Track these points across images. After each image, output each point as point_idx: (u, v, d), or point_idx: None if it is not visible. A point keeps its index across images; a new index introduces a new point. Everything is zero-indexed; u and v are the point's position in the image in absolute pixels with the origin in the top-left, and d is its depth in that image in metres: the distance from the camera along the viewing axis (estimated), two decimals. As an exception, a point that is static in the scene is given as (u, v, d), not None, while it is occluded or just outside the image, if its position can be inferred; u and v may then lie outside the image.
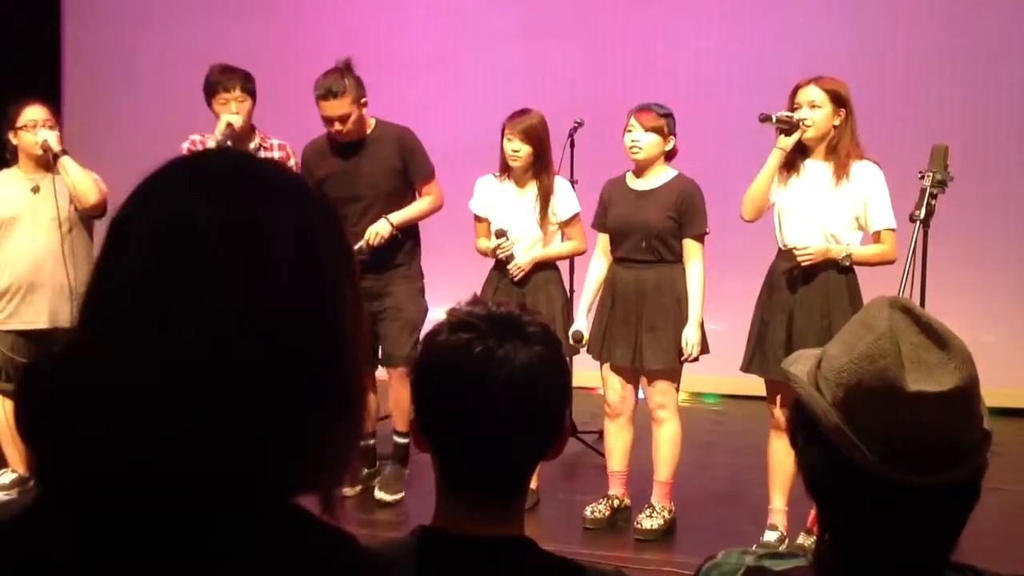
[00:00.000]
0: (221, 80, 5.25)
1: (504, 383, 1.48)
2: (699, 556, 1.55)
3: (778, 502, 4.62)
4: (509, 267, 5.02)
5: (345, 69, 5.10)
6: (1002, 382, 6.27)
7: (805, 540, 4.45)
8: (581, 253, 5.19)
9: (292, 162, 5.38)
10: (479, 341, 1.49)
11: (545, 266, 5.09)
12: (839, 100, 4.43)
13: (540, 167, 5.01)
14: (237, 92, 5.23)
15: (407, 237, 5.27)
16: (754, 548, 1.53)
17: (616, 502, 4.96)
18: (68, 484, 0.92)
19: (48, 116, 5.21)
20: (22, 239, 5.15)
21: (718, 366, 4.78)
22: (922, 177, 4.28)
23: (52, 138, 5.13)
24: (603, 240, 4.94)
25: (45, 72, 8.16)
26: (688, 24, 7.46)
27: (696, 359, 4.76)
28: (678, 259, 4.78)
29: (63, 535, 0.92)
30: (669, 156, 4.86)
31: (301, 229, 0.97)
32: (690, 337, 4.70)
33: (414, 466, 5.25)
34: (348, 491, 5.18)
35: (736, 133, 4.65)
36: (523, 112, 5.00)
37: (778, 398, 4.54)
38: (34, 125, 5.14)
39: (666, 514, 4.83)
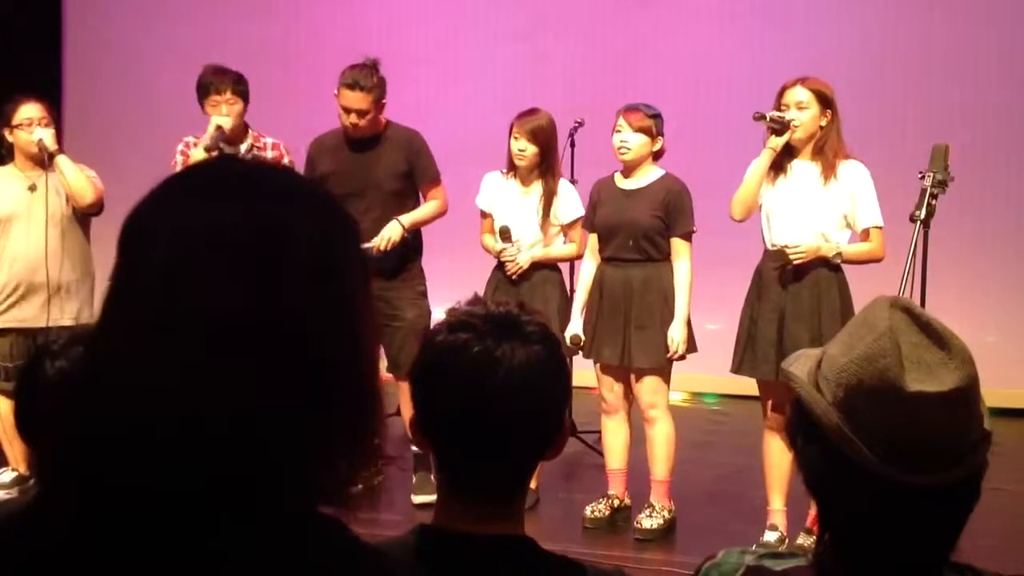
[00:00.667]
0: (212, 82, 5.26)
1: (502, 383, 1.48)
2: (699, 555, 1.55)
3: (777, 502, 4.63)
4: (507, 266, 5.04)
5: (373, 67, 5.13)
6: (1002, 382, 6.27)
7: (805, 540, 4.45)
8: (579, 257, 5.18)
9: (286, 160, 5.38)
10: (477, 341, 1.49)
11: (544, 266, 5.10)
12: (825, 101, 4.46)
13: (546, 168, 5.02)
14: (228, 95, 5.23)
15: (409, 240, 5.27)
16: (754, 548, 1.53)
17: (616, 501, 4.96)
18: (70, 483, 0.92)
19: (44, 114, 5.19)
20: (19, 238, 5.15)
21: (718, 366, 4.78)
22: (922, 177, 4.29)
23: (48, 136, 5.12)
24: (593, 240, 4.95)
25: (45, 71, 8.15)
26: (688, 24, 7.46)
27: (683, 357, 4.78)
28: (665, 258, 4.80)
29: (62, 534, 0.92)
30: (657, 156, 4.88)
31: (322, 236, 0.97)
32: (676, 335, 4.71)
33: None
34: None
35: (738, 133, 4.65)
36: (532, 112, 5.02)
37: (771, 399, 4.55)
38: (30, 123, 5.13)
39: (666, 513, 4.83)
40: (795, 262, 4.43)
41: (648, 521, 4.79)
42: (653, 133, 4.80)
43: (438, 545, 1.52)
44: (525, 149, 4.96)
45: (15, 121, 5.16)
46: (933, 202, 4.24)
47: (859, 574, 1.37)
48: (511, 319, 1.53)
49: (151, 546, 0.90)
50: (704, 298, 4.85)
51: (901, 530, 1.33)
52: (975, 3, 7.09)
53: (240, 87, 5.28)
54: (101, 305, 0.97)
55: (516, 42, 7.63)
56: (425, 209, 5.30)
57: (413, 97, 7.09)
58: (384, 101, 5.18)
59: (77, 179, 5.12)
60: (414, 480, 5.19)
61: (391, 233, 5.13)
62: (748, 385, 4.72)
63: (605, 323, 4.83)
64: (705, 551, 1.54)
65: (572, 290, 5.54)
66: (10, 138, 5.21)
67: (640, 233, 4.76)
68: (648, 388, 4.81)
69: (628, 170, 4.86)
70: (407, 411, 5.18)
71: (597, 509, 4.93)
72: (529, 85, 7.14)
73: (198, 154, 5.06)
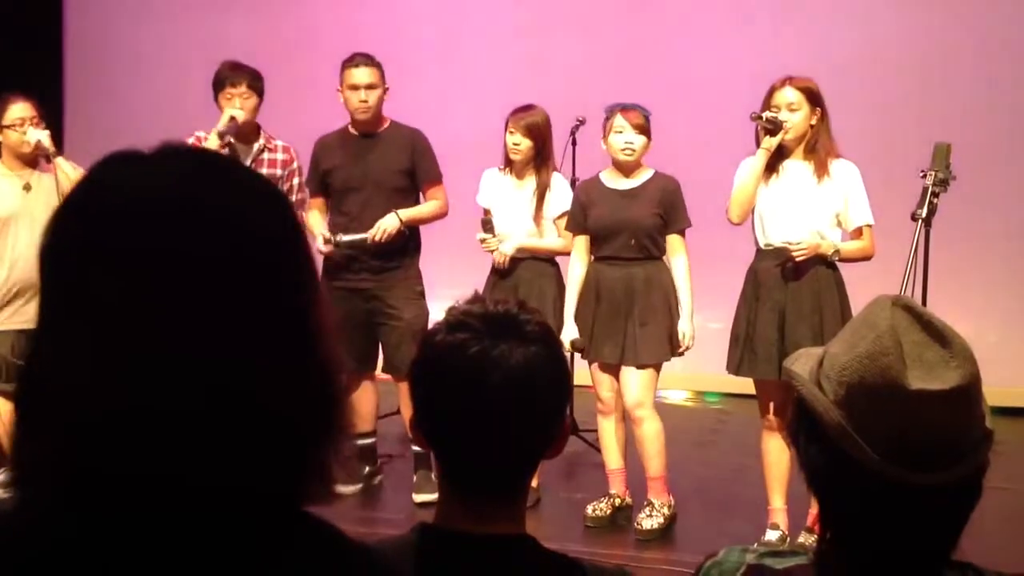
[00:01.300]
0: (229, 76, 5.28)
1: (500, 383, 1.47)
2: (700, 554, 1.55)
3: (777, 501, 4.63)
4: (494, 256, 5.08)
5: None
6: (1004, 381, 6.27)
7: (806, 539, 4.46)
8: (566, 253, 5.17)
9: (295, 164, 5.40)
10: (475, 341, 1.48)
11: (540, 260, 5.12)
12: (814, 99, 4.49)
13: (540, 162, 5.10)
14: (243, 88, 5.25)
15: (408, 239, 5.28)
16: (755, 546, 1.53)
17: (617, 500, 4.96)
18: (54, 485, 0.91)
19: (35, 113, 5.18)
20: (20, 238, 5.14)
21: (720, 364, 4.79)
22: (924, 176, 4.29)
23: (45, 138, 5.12)
24: (581, 242, 4.94)
25: (46, 70, 8.16)
26: (690, 22, 7.46)
27: (681, 353, 4.85)
28: (661, 255, 4.85)
29: (50, 535, 0.91)
30: None
31: (270, 227, 0.97)
32: (686, 329, 4.77)
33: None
34: (348, 489, 5.19)
35: (738, 133, 4.65)
36: (527, 107, 5.09)
37: (770, 399, 4.56)
38: (22, 123, 5.12)
39: (665, 510, 4.83)
40: (797, 259, 4.43)
41: (648, 521, 4.79)
42: (649, 133, 4.84)
43: (439, 544, 1.52)
44: (520, 143, 5.03)
45: (6, 121, 5.14)
46: (935, 201, 4.25)
47: (860, 572, 1.37)
48: (510, 318, 1.52)
49: (137, 549, 0.90)
50: (707, 297, 4.86)
51: (902, 529, 1.33)
52: (975, 3, 7.09)
53: (256, 83, 5.30)
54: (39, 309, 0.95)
55: (516, 42, 7.63)
56: (425, 207, 5.31)
57: (413, 97, 7.09)
58: (387, 87, 5.26)
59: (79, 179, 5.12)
60: (415, 479, 5.19)
61: (387, 224, 5.14)
62: (750, 384, 4.72)
63: (604, 323, 4.84)
64: (706, 550, 1.54)
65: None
66: None
67: (643, 232, 4.80)
68: (639, 385, 4.82)
69: (626, 171, 4.88)
70: (407, 411, 5.20)
71: (599, 508, 4.93)
72: (529, 85, 7.13)
73: (213, 140, 5.08)
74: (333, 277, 5.22)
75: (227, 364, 0.92)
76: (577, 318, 4.92)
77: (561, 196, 5.12)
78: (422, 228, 5.41)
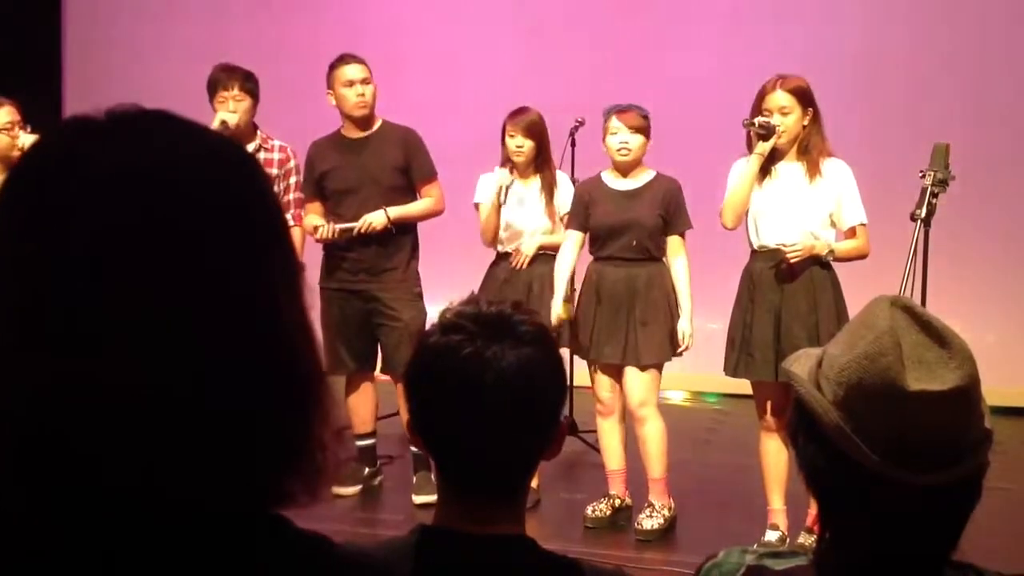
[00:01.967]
0: (221, 78, 5.28)
1: (492, 384, 1.47)
2: (700, 555, 1.55)
3: (776, 502, 4.64)
4: (512, 256, 5.15)
5: None
6: (1003, 381, 6.26)
7: (806, 539, 4.46)
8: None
9: (292, 164, 5.40)
10: (468, 342, 1.48)
11: (551, 256, 5.16)
12: (806, 100, 4.49)
13: (542, 161, 5.18)
14: (236, 91, 5.25)
15: (404, 240, 5.27)
16: (755, 547, 1.53)
17: (617, 501, 4.96)
18: (21, 488, 0.85)
19: (20, 117, 5.16)
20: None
21: (719, 365, 4.79)
22: (923, 176, 4.29)
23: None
24: (577, 237, 4.96)
25: (46, 71, 8.15)
26: (689, 23, 7.46)
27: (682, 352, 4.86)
28: (662, 256, 4.87)
29: (29, 540, 0.86)
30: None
31: (228, 196, 0.89)
32: (686, 329, 4.78)
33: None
34: (348, 491, 5.19)
35: (737, 133, 4.65)
36: (523, 110, 5.15)
37: (767, 400, 4.56)
38: (11, 127, 5.12)
39: (666, 512, 4.83)
40: (793, 261, 4.44)
41: (648, 521, 4.79)
42: (648, 133, 4.84)
43: (438, 545, 1.52)
44: (523, 145, 5.08)
45: None
46: (934, 201, 4.25)
47: (860, 573, 1.37)
48: (503, 319, 1.52)
49: (112, 558, 0.84)
50: (705, 297, 4.86)
51: (902, 529, 1.33)
52: (975, 3, 7.09)
53: (249, 84, 5.29)
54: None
55: (516, 42, 7.63)
56: (415, 205, 5.29)
57: (413, 97, 7.09)
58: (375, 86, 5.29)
59: None
60: (415, 480, 5.19)
61: (373, 219, 5.14)
62: (748, 384, 4.72)
63: (606, 323, 4.85)
64: (706, 550, 1.54)
65: (572, 286, 5.58)
66: None
67: (645, 233, 4.82)
68: (642, 385, 4.82)
69: (624, 171, 4.88)
70: (406, 412, 5.20)
71: (598, 509, 4.93)
72: (529, 85, 7.13)
73: None
74: (331, 279, 5.23)
75: (174, 360, 0.83)
76: (579, 318, 4.93)
77: (567, 193, 5.19)
78: (420, 230, 5.39)
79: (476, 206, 5.24)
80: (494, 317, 1.52)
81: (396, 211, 5.20)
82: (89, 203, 0.84)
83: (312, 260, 5.17)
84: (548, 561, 1.55)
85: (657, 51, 7.43)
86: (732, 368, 4.64)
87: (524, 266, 5.14)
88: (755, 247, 4.61)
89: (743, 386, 4.86)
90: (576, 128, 5.91)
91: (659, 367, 4.86)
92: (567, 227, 5.03)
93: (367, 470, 5.38)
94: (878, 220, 4.69)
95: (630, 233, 4.82)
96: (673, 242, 4.86)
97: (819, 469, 1.36)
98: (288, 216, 5.15)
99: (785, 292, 4.51)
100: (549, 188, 5.15)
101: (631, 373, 4.83)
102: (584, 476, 5.57)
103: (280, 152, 5.40)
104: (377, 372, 5.40)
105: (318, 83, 5.36)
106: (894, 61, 7.10)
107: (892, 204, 4.75)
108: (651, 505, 4.83)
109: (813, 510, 4.17)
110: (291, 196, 5.36)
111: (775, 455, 4.56)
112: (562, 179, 5.26)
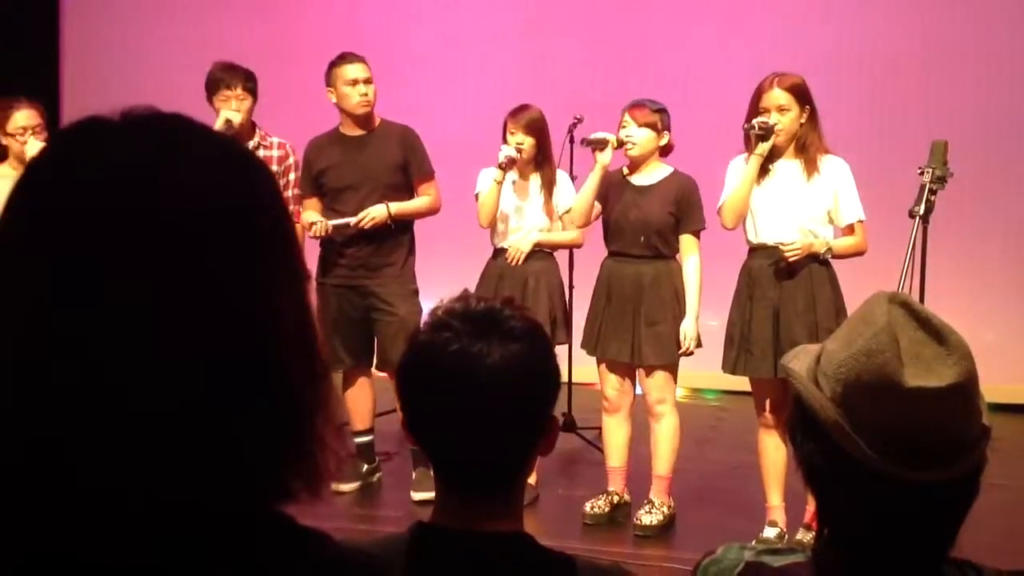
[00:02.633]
0: (223, 77, 5.28)
1: (479, 381, 1.47)
2: (698, 552, 1.55)
3: (775, 499, 4.64)
4: (508, 251, 5.11)
5: None
6: (1002, 378, 6.27)
7: (804, 536, 4.46)
8: (579, 245, 5.30)
9: (291, 160, 5.41)
10: (455, 340, 1.49)
11: (545, 252, 5.16)
12: (803, 97, 4.49)
13: (543, 158, 5.16)
14: (238, 90, 5.25)
15: (402, 238, 5.27)
16: (753, 544, 1.53)
17: (616, 498, 4.96)
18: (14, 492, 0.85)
19: (39, 120, 5.18)
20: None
21: (719, 362, 4.78)
22: (921, 173, 4.29)
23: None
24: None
25: (45, 71, 8.14)
26: (689, 21, 7.46)
27: (691, 353, 4.81)
28: (674, 254, 4.82)
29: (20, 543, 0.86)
30: (664, 152, 4.90)
31: (233, 198, 0.89)
32: (688, 331, 4.75)
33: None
34: (347, 487, 5.19)
35: (737, 132, 4.64)
36: (524, 107, 5.14)
37: (766, 397, 4.56)
38: (24, 132, 5.12)
39: (665, 509, 4.84)
40: (791, 259, 4.44)
41: (648, 517, 4.79)
42: (659, 128, 4.82)
43: (436, 542, 1.52)
44: (524, 142, 5.06)
45: (9, 129, 5.16)
46: (932, 198, 4.25)
47: (858, 570, 1.37)
48: (492, 315, 1.52)
49: (111, 561, 0.84)
50: (705, 294, 4.85)
51: (900, 526, 1.33)
52: (975, 2, 7.09)
53: (250, 84, 5.31)
54: None
55: (516, 42, 7.62)
56: (415, 202, 5.30)
57: (413, 97, 7.09)
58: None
59: None
60: (414, 476, 5.19)
61: (374, 212, 5.14)
62: (747, 381, 4.72)
63: (613, 320, 4.84)
64: (704, 547, 1.54)
65: (571, 285, 5.59)
66: (3, 140, 5.20)
67: (653, 230, 4.79)
68: (658, 384, 4.83)
69: (635, 166, 4.88)
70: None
71: (597, 505, 4.93)
72: (529, 85, 7.13)
73: None
74: (329, 275, 5.24)
75: (174, 361, 0.83)
76: (587, 315, 4.95)
77: (566, 191, 5.18)
78: (416, 228, 5.39)
79: (476, 196, 5.23)
80: (483, 314, 1.52)
81: (397, 207, 5.20)
82: (92, 204, 0.85)
83: (310, 256, 5.17)
84: (546, 558, 1.55)
85: (657, 51, 7.43)
86: (731, 365, 4.64)
87: (520, 262, 5.13)
88: (753, 244, 4.61)
89: (741, 383, 4.86)
90: (575, 125, 5.90)
91: (673, 365, 4.84)
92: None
93: (365, 466, 5.38)
94: (876, 217, 4.69)
95: (637, 230, 4.80)
96: (685, 241, 4.82)
97: (817, 465, 1.36)
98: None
99: (783, 289, 4.51)
100: (548, 185, 5.14)
101: (647, 371, 4.83)
102: (582, 473, 5.57)
103: (279, 149, 5.41)
104: (373, 368, 5.40)
105: (317, 84, 5.36)
106: (893, 59, 7.10)
107: (890, 201, 4.75)
108: (651, 502, 4.83)
109: (811, 507, 4.17)
110: (289, 192, 5.36)
111: (774, 452, 4.57)
112: (562, 177, 5.25)
